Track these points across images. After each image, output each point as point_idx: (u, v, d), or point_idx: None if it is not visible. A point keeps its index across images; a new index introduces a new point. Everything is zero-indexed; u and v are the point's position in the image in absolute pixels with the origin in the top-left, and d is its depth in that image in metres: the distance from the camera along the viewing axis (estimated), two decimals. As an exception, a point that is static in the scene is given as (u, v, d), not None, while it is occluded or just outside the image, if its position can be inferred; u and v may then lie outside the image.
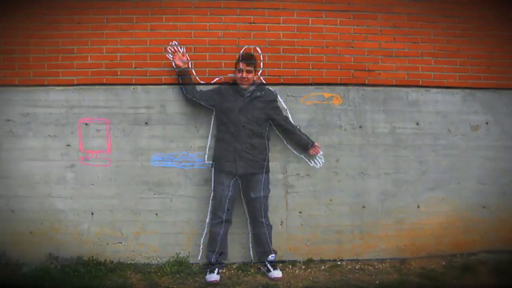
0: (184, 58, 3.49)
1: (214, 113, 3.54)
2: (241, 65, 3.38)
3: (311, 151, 3.58)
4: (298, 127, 3.60)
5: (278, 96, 3.57)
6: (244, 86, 3.40)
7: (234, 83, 3.46)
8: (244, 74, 3.37)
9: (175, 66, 3.49)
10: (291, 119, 3.61)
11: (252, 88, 3.43)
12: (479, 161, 3.82)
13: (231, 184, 3.38)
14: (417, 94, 3.76)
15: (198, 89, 3.51)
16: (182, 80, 3.49)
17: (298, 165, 3.65)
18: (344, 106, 3.70)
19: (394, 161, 3.73)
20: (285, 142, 3.62)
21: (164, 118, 3.60)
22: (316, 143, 3.58)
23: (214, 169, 3.47)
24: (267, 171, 3.46)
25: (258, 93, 3.43)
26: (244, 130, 3.36)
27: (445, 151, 3.79)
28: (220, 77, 3.58)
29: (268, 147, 3.48)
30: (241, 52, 3.54)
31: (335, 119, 3.69)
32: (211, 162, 3.52)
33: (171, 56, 3.51)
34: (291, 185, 3.66)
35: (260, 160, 3.40)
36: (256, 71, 3.48)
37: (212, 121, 3.58)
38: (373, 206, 3.73)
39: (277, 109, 3.54)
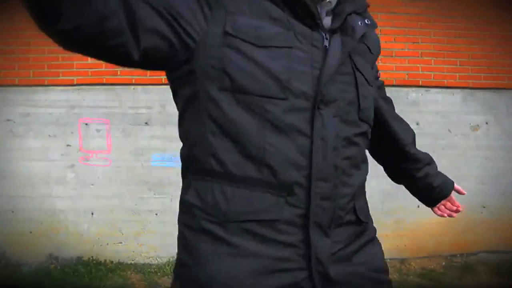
0: None
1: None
2: None
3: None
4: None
5: None
6: None
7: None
8: None
9: None
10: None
11: None
12: (479, 161, 3.82)
13: None
14: (417, 94, 3.76)
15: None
16: None
17: (298, 165, 3.65)
18: (344, 106, 3.70)
19: (394, 161, 3.73)
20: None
21: (164, 118, 3.60)
22: (457, 186, 1.37)
23: None
24: None
25: (363, 22, 1.03)
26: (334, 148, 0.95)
27: (445, 151, 3.78)
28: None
29: None
30: None
31: (335, 119, 3.69)
32: None
33: None
34: (291, 185, 3.65)
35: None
36: None
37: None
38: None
39: (382, 89, 1.29)
